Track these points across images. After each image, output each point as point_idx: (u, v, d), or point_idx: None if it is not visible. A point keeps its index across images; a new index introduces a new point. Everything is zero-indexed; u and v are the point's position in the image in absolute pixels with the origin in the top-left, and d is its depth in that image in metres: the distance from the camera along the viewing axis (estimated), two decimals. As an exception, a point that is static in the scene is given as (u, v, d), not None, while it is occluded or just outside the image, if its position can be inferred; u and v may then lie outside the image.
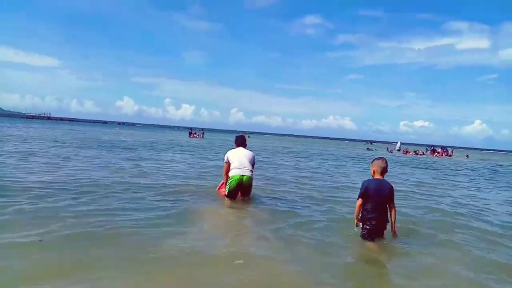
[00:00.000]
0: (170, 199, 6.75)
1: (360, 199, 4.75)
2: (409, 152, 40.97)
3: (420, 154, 40.11)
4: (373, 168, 4.86)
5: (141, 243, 4.21)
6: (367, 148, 47.86)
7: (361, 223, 4.81)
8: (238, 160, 6.76)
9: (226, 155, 6.88)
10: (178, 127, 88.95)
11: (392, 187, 4.76)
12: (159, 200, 6.58)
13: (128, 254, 3.87)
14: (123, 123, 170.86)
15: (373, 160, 5.00)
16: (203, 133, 49.48)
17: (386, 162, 4.87)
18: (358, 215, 4.82)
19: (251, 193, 7.03)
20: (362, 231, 4.78)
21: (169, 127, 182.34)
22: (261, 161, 16.04)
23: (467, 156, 42.87)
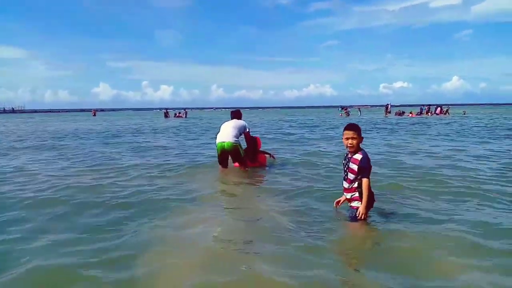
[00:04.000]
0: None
1: (368, 177, 3.91)
2: (411, 113, 40.00)
3: (418, 115, 39.42)
4: (361, 136, 3.98)
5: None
6: (347, 113, 43.87)
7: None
8: (222, 129, 7.36)
9: (220, 127, 7.49)
10: (160, 109, 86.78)
11: None
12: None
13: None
14: (102, 110, 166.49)
15: (355, 126, 4.03)
16: (185, 112, 48.46)
17: None
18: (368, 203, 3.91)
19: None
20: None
21: (150, 109, 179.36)
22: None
23: (464, 112, 42.96)
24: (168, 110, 49.77)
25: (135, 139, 15.27)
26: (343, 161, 4.14)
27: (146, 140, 15.01)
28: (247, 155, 7.44)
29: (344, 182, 4.08)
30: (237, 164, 7.40)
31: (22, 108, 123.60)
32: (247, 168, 7.35)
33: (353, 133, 3.90)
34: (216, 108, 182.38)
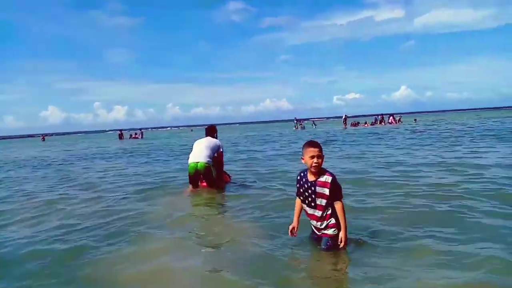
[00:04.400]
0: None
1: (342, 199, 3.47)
2: (365, 124, 40.54)
3: (372, 125, 40.08)
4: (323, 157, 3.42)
5: None
6: (302, 127, 44.39)
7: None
8: (194, 149, 7.10)
9: (193, 145, 7.24)
10: (113, 130, 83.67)
11: None
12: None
13: None
14: (51, 134, 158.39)
15: (319, 143, 3.49)
16: (141, 133, 46.73)
17: None
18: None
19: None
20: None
21: (103, 131, 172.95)
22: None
23: (415, 120, 44.84)
24: (122, 131, 47.65)
25: (75, 167, 14.01)
26: (302, 185, 3.52)
27: (87, 166, 13.81)
28: (217, 176, 7.18)
29: (311, 210, 3.52)
30: (204, 184, 7.10)
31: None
32: (216, 189, 7.02)
33: (319, 151, 3.38)
34: (173, 127, 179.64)
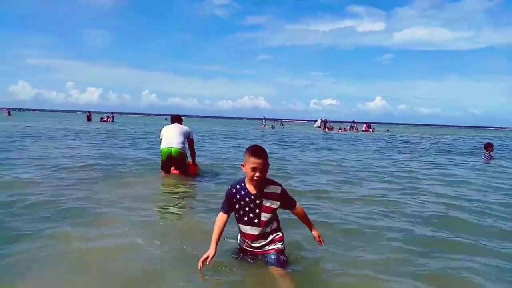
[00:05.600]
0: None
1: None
2: (340, 129, 40.52)
3: (345, 131, 40.41)
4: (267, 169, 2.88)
5: None
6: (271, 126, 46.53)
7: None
8: (166, 135, 6.98)
9: (160, 132, 7.13)
10: (83, 112, 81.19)
11: None
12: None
13: None
14: (19, 109, 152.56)
15: (265, 151, 2.90)
16: (113, 117, 45.49)
17: None
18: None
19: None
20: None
21: (74, 111, 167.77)
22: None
23: (387, 130, 46.51)
24: (91, 113, 46.11)
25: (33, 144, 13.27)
26: (240, 200, 2.90)
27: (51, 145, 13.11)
28: (190, 163, 7.27)
29: (250, 227, 2.94)
30: (176, 171, 7.07)
31: None
32: (187, 176, 7.04)
33: (264, 162, 2.78)
34: (146, 115, 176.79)
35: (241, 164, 2.90)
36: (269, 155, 2.90)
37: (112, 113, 48.41)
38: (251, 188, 2.89)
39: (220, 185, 6.51)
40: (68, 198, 5.15)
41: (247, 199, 2.90)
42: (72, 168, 7.82)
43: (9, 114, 55.65)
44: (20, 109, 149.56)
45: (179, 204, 5.38)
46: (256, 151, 2.83)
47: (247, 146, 3.00)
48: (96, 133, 21.47)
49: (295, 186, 6.57)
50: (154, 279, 2.84)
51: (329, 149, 16.29)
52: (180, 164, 6.97)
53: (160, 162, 7.17)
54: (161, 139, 7.07)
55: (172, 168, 7.06)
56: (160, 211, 5.02)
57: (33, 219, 4.19)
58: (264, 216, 2.92)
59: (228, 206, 2.96)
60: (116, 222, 4.15)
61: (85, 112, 61.71)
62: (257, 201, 2.89)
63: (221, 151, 13.17)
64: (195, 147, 7.45)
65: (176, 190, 6.20)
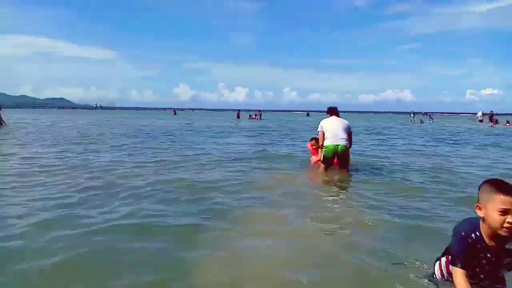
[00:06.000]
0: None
1: None
2: (508, 122, 33.40)
3: None
4: None
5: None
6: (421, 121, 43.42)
7: None
8: (332, 130, 7.10)
9: (320, 124, 7.30)
10: (233, 110, 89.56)
11: None
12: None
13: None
14: (181, 109, 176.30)
15: None
16: (260, 114, 48.88)
17: None
18: None
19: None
20: None
21: (225, 110, 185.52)
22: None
23: None
24: (240, 111, 51.00)
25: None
26: (478, 253, 2.20)
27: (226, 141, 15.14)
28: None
29: (477, 284, 2.27)
30: (337, 163, 7.29)
31: (113, 106, 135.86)
32: (347, 169, 7.32)
33: None
34: (289, 111, 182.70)
35: (476, 206, 2.20)
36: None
37: (259, 110, 52.25)
38: (488, 240, 2.18)
39: (375, 184, 6.43)
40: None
41: (486, 254, 2.20)
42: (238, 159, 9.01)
43: (175, 113, 65.32)
44: (182, 109, 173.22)
45: (350, 200, 5.43)
46: (508, 185, 2.09)
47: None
48: (250, 129, 23.50)
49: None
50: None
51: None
52: (344, 159, 7.16)
53: (321, 156, 7.19)
54: (318, 132, 7.28)
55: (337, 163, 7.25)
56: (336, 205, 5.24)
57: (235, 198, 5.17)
58: (501, 273, 2.33)
59: (464, 259, 2.20)
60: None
61: (234, 110, 68.03)
62: (496, 258, 2.21)
63: (368, 148, 12.31)
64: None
65: (343, 185, 6.48)
